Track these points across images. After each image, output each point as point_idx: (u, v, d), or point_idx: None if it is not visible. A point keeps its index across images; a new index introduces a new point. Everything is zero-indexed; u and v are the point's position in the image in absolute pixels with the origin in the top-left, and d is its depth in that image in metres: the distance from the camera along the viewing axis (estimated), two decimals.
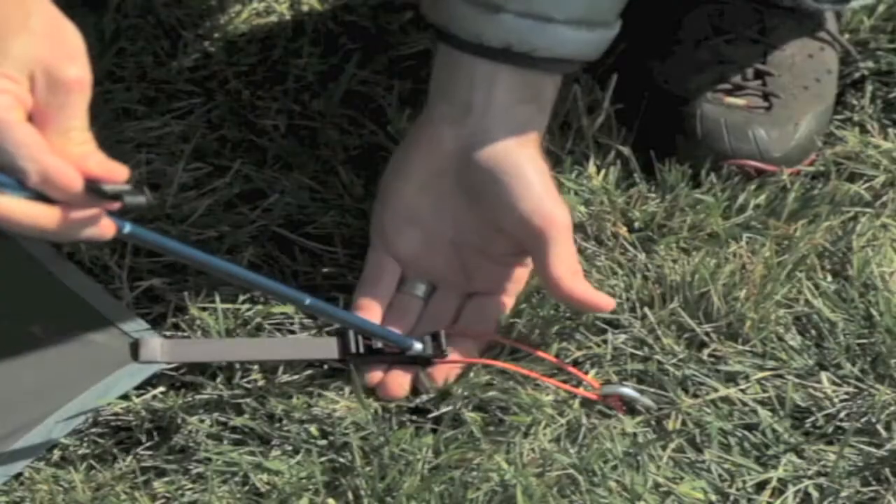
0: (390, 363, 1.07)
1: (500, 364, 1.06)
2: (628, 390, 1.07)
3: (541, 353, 1.07)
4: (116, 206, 0.85)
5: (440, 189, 1.09)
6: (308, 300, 1.00)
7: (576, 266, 1.07)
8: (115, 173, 0.84)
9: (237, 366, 1.07)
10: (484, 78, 1.08)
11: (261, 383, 1.07)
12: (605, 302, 1.06)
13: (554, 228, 1.06)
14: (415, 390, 1.07)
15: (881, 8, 1.34)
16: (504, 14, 1.05)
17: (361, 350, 1.05)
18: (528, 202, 1.07)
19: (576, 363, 1.09)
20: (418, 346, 1.06)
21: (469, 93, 1.08)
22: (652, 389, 1.08)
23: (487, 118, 1.08)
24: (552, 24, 1.06)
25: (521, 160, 1.07)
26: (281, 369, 1.08)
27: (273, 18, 1.35)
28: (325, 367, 1.08)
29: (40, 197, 0.83)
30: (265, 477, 1.02)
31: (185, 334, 1.09)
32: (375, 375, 1.06)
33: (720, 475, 1.04)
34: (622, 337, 1.11)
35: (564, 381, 1.07)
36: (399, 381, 1.06)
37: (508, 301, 1.10)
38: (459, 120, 1.08)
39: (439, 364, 1.06)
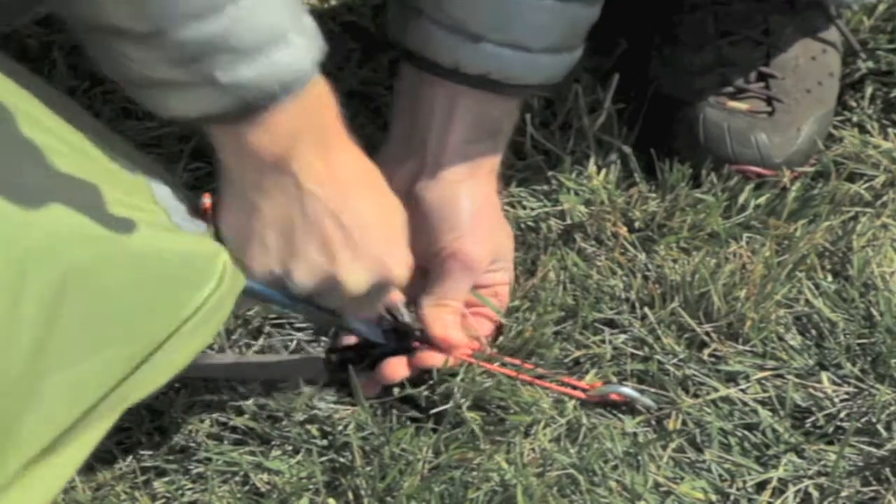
0: (377, 359, 1.07)
1: (486, 365, 1.06)
2: (628, 390, 1.07)
3: (527, 365, 1.08)
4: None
5: None
6: (301, 306, 1.00)
7: (451, 303, 1.08)
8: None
9: None
10: (443, 113, 1.09)
11: (261, 384, 1.07)
12: (455, 341, 1.07)
13: (457, 264, 1.08)
14: (411, 398, 1.07)
15: (881, 8, 1.34)
16: (484, 43, 1.06)
17: (346, 360, 1.07)
18: (446, 239, 1.08)
19: (576, 363, 1.10)
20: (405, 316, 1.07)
21: (427, 128, 1.10)
22: (652, 389, 1.08)
23: (439, 155, 1.09)
24: (530, 54, 1.07)
25: (460, 195, 1.09)
26: None
27: None
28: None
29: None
30: (265, 477, 1.02)
31: None
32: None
33: (720, 475, 1.04)
34: (622, 337, 1.11)
35: (560, 383, 1.08)
36: (396, 367, 1.06)
37: (481, 323, 1.11)
38: (412, 157, 1.10)
39: (421, 353, 1.06)
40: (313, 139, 0.92)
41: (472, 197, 1.09)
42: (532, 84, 1.09)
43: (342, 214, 0.95)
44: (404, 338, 1.06)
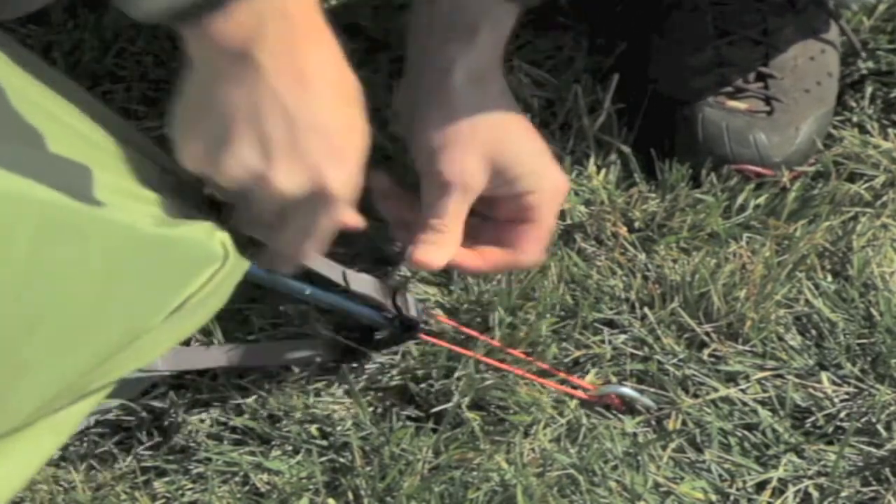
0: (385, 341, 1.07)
1: (484, 359, 1.06)
2: (628, 390, 1.07)
3: (530, 358, 1.07)
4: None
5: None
6: (308, 290, 1.00)
7: (435, 224, 1.01)
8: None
9: None
10: (423, 21, 1.04)
11: (260, 383, 1.07)
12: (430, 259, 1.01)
13: (448, 184, 1.01)
14: (411, 398, 1.07)
15: (881, 8, 1.34)
16: None
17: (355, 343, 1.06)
18: (420, 159, 1.02)
19: (576, 363, 1.10)
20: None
21: (412, 40, 1.05)
22: (652, 389, 1.08)
23: (412, 64, 1.05)
24: None
25: (431, 110, 1.02)
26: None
27: None
28: (326, 366, 1.08)
29: None
30: (265, 477, 1.02)
31: None
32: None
33: (720, 475, 1.04)
34: (622, 337, 1.11)
35: (561, 381, 1.08)
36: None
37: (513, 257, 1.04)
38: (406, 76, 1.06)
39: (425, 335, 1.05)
40: (282, 28, 0.87)
41: (440, 113, 1.02)
42: None
43: (294, 112, 0.88)
44: (408, 329, 1.05)
